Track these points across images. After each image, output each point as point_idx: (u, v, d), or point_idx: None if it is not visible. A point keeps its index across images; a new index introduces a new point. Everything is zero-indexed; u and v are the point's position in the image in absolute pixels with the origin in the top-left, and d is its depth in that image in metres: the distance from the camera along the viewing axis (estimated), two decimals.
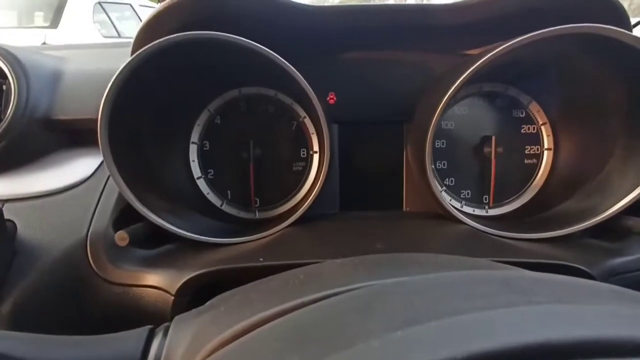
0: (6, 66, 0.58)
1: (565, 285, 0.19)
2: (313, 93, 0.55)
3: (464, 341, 0.12)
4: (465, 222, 0.59)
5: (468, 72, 0.51)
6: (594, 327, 0.13)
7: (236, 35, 0.50)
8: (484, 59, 0.51)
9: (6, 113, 0.57)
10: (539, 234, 0.56)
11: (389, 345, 0.13)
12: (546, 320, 0.13)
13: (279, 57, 0.52)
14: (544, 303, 0.15)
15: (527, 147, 0.67)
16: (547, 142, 0.67)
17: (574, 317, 0.13)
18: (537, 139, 0.67)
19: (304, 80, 0.54)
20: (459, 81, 0.52)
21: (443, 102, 0.54)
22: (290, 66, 0.53)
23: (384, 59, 0.66)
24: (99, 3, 3.81)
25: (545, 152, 0.67)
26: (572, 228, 0.54)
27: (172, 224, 0.55)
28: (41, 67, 0.63)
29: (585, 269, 0.49)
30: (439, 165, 0.68)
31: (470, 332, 0.13)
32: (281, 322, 0.20)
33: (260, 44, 0.51)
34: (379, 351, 0.13)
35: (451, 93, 0.53)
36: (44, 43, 0.88)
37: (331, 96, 0.67)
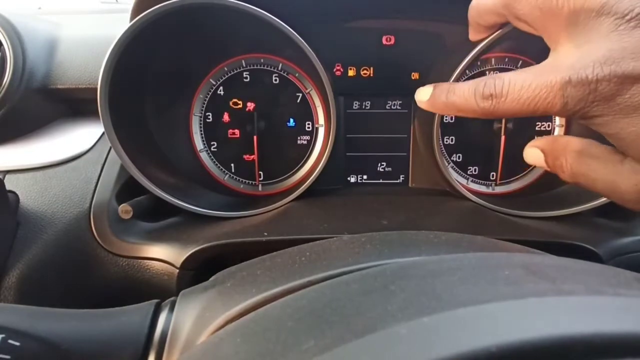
0: (1, 33, 0.56)
1: (591, 272, 0.18)
2: (320, 64, 0.53)
3: (499, 332, 0.12)
4: (472, 199, 0.58)
5: (483, 43, 0.49)
6: (630, 321, 0.12)
7: (241, 1, 0.48)
8: (501, 29, 0.49)
9: (2, 82, 0.55)
10: (546, 212, 0.55)
11: (418, 332, 0.12)
12: (581, 312, 0.13)
13: (284, 24, 0.50)
14: (576, 294, 0.14)
15: (537, 123, 0.66)
16: (559, 118, 0.65)
17: (610, 309, 0.13)
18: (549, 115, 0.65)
19: (311, 51, 0.52)
20: (472, 53, 0.50)
21: (454, 75, 0.52)
22: (297, 35, 0.51)
23: (393, 29, 0.63)
24: None
25: (557, 129, 0.65)
26: (581, 207, 0.54)
27: (175, 197, 0.54)
28: (37, 34, 0.61)
29: (591, 248, 0.48)
30: (446, 141, 0.67)
31: (504, 322, 0.12)
32: (294, 300, 0.20)
33: (266, 11, 0.49)
34: (407, 338, 0.12)
35: (464, 65, 0.51)
36: (40, 8, 0.84)
37: (338, 67, 0.64)
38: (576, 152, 0.29)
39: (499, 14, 0.33)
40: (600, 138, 0.28)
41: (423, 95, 0.35)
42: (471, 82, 0.30)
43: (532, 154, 0.33)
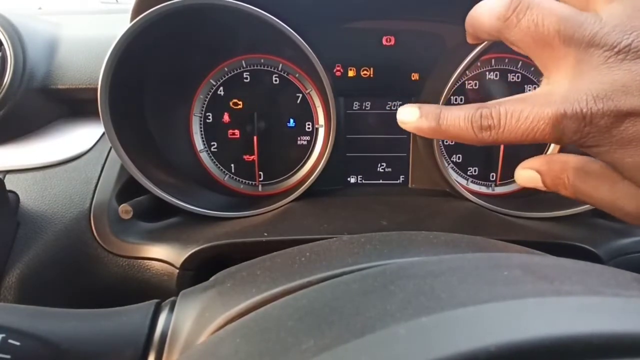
0: (1, 33, 0.56)
1: (589, 273, 0.18)
2: (320, 65, 0.53)
3: (497, 332, 0.12)
4: (471, 199, 0.58)
5: (483, 44, 0.49)
6: (627, 322, 0.12)
7: (241, 2, 0.48)
8: None
9: (2, 82, 0.55)
10: (546, 213, 0.55)
11: (417, 332, 0.13)
12: (579, 312, 0.13)
13: (284, 25, 0.50)
14: (574, 294, 0.14)
15: None
16: None
17: (607, 310, 0.13)
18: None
19: (311, 51, 0.52)
20: (472, 54, 0.50)
21: (454, 76, 0.52)
22: (297, 35, 0.51)
23: (393, 29, 0.64)
24: None
25: None
26: (580, 207, 0.54)
27: (175, 197, 0.54)
28: (38, 34, 0.61)
29: (591, 248, 0.48)
30: (446, 142, 0.67)
31: (503, 322, 0.12)
32: (293, 300, 0.20)
33: (266, 12, 0.49)
34: (406, 338, 0.12)
35: (464, 66, 0.51)
36: (40, 8, 0.85)
37: (338, 68, 0.65)
38: (576, 169, 0.29)
39: (493, 36, 0.33)
40: None
41: (407, 116, 0.32)
42: (463, 109, 0.30)
43: (527, 175, 0.31)
